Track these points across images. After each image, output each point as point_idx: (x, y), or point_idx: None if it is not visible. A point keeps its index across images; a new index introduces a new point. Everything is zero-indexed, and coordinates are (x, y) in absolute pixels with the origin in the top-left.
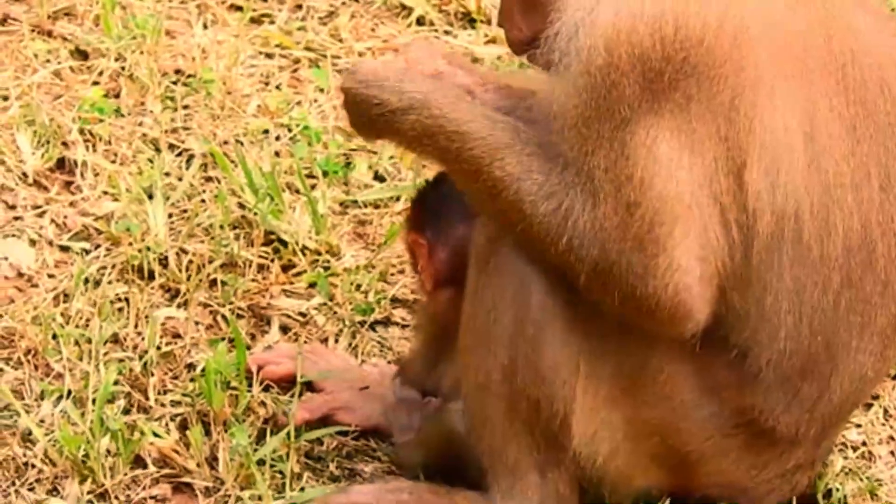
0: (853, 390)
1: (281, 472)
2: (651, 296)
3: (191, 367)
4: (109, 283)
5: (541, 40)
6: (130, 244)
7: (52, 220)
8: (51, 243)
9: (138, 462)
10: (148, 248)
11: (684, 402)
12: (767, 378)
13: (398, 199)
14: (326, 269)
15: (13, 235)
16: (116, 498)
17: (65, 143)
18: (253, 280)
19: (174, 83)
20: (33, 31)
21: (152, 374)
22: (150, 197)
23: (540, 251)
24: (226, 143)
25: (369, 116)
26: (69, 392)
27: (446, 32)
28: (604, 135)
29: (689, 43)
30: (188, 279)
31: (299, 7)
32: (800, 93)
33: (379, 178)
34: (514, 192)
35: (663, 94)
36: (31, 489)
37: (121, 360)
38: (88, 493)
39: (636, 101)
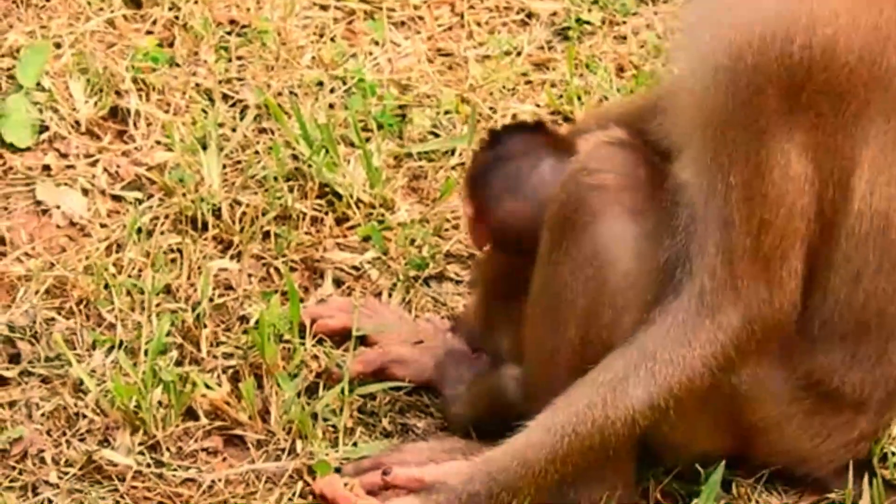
0: None
1: (334, 427)
2: (776, 311)
3: (243, 319)
4: (162, 233)
5: None
6: (184, 195)
7: (105, 170)
8: (103, 193)
9: (190, 414)
10: (201, 199)
11: (759, 370)
12: (825, 339)
13: (453, 152)
14: (381, 222)
15: (66, 184)
16: (168, 449)
17: (118, 92)
18: (306, 233)
19: (228, 33)
20: None
21: (205, 326)
22: (204, 147)
23: None
24: (280, 94)
25: None
26: (121, 342)
27: None
28: (740, 145)
29: (835, 66)
30: (241, 231)
31: None
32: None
33: (434, 131)
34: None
35: (800, 110)
36: (82, 439)
37: (173, 312)
38: (140, 444)
39: (774, 113)
